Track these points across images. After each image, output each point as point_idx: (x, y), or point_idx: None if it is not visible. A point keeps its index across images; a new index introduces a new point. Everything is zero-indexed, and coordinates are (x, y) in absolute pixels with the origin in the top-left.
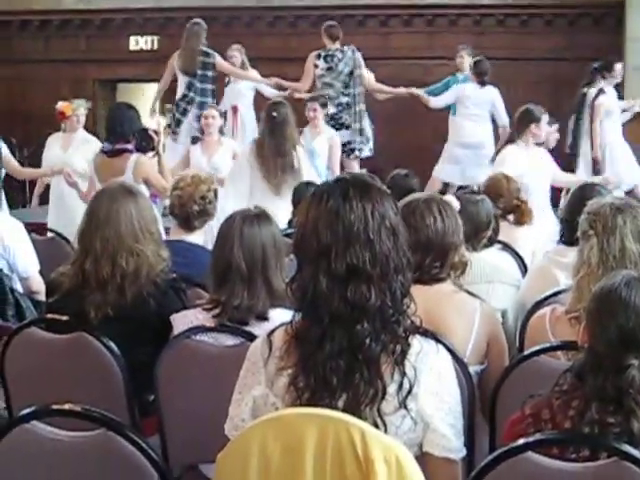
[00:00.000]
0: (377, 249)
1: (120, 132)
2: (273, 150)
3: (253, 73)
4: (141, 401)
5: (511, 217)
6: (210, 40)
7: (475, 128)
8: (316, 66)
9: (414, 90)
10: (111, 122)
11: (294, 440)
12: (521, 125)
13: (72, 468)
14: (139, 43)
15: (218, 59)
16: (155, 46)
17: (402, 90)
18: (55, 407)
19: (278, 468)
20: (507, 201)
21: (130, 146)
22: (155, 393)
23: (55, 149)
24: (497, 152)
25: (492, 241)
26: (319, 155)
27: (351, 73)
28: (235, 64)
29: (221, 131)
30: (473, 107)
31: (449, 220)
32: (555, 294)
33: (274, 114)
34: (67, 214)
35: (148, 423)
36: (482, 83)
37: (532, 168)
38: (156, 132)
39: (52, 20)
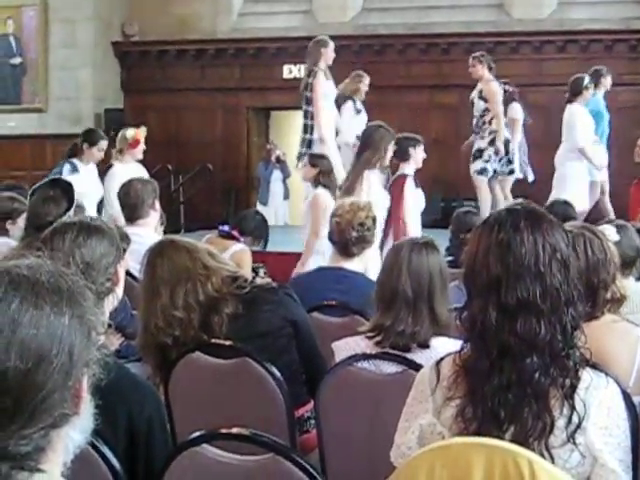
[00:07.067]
0: (548, 283)
1: None
2: None
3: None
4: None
5: None
6: (362, 67)
7: None
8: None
9: None
10: None
11: (462, 469)
12: None
13: None
14: (292, 71)
15: (316, 80)
16: None
17: None
18: (224, 431)
19: None
20: None
21: None
22: (317, 420)
23: None
24: None
25: None
26: None
27: None
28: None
29: None
30: None
31: (594, 257)
32: None
33: None
34: None
35: (302, 441)
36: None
37: None
38: None
39: (207, 49)
